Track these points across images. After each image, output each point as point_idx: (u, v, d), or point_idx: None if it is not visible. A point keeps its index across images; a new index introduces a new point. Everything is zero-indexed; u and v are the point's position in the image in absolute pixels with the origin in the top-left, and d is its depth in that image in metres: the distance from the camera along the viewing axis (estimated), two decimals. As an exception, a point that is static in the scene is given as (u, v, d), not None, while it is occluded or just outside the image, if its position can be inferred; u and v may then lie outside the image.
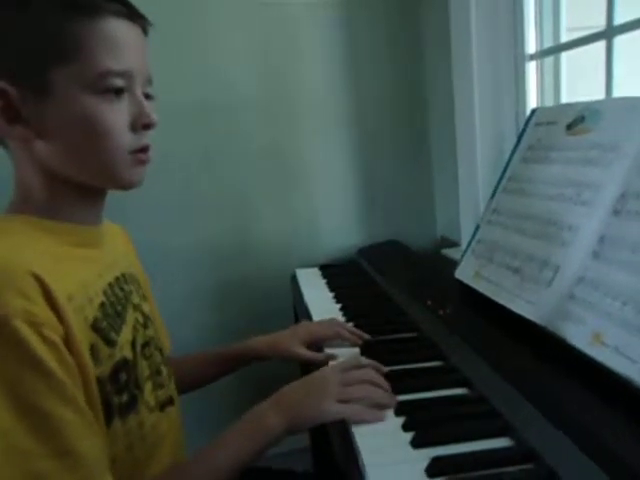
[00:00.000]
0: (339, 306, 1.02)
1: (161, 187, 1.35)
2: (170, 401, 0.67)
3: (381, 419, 0.60)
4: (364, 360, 0.71)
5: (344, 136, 1.44)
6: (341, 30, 1.39)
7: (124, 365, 0.58)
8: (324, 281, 1.22)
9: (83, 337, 0.51)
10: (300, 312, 1.13)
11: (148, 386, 0.63)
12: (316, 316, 0.99)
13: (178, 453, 0.70)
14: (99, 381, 0.53)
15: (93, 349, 0.53)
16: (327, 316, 0.93)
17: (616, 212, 0.65)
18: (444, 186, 1.46)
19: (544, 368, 0.63)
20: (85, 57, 0.52)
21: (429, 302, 0.91)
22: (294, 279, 1.31)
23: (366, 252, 1.40)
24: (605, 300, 0.60)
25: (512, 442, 0.54)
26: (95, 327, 0.54)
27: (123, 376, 0.57)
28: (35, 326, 0.45)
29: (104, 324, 0.55)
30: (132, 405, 0.58)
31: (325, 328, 0.85)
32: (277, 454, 0.67)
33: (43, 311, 0.46)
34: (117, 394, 0.56)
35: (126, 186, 0.59)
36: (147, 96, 0.59)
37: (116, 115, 0.55)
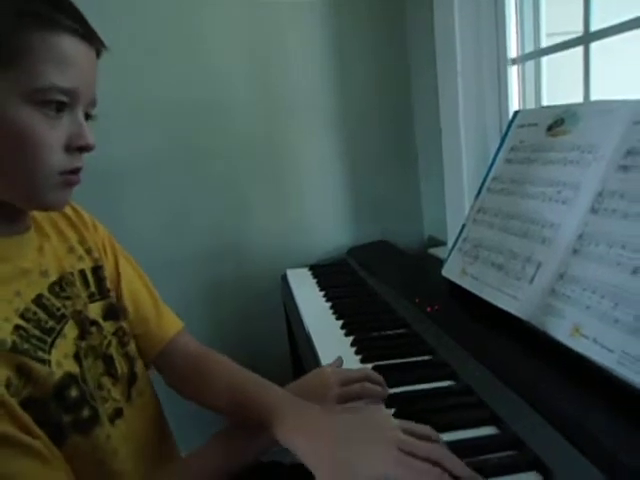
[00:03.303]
0: (329, 305, 1.03)
1: (154, 188, 1.36)
2: (118, 413, 0.61)
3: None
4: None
5: (333, 137, 1.47)
6: (329, 30, 1.41)
7: (71, 381, 0.55)
8: (314, 280, 1.24)
9: (1, 361, 0.49)
10: (290, 311, 1.15)
11: None
12: (307, 315, 1.00)
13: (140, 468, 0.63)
14: (35, 401, 0.50)
15: (22, 369, 0.50)
16: (317, 314, 0.95)
17: (594, 210, 0.68)
18: (431, 186, 1.49)
19: (527, 360, 0.65)
20: (30, 67, 0.49)
21: (417, 299, 0.94)
22: (284, 279, 1.32)
23: (355, 252, 1.43)
24: (584, 294, 0.63)
25: (497, 430, 0.57)
26: (16, 350, 0.50)
27: (73, 392, 0.55)
28: None
29: (25, 346, 0.51)
30: (95, 418, 0.56)
31: (351, 384, 0.64)
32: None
33: None
34: (68, 411, 0.53)
35: (47, 208, 0.56)
36: (87, 116, 0.56)
37: (52, 132, 0.51)
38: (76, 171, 0.54)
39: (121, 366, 0.65)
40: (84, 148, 0.54)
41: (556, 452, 0.50)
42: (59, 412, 0.53)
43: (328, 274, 1.28)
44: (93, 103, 0.57)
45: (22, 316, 0.53)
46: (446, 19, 1.15)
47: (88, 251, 0.67)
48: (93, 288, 0.66)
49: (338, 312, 0.98)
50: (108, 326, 0.66)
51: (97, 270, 0.67)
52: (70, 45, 0.51)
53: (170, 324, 0.76)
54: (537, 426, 0.53)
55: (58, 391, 0.53)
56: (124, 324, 0.69)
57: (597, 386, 0.56)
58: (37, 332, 0.54)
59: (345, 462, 0.47)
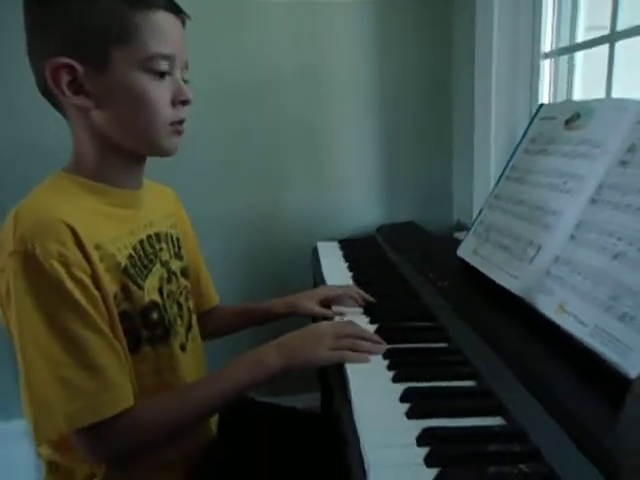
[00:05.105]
0: (351, 274, 1.13)
1: (201, 159, 1.49)
2: (182, 347, 0.76)
3: (366, 360, 0.70)
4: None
5: (371, 121, 1.54)
6: (373, 22, 1.48)
7: (154, 307, 0.70)
8: (341, 253, 1.33)
9: (113, 279, 0.63)
10: (317, 279, 1.25)
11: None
12: (330, 281, 1.10)
13: None
14: (127, 314, 0.65)
15: (125, 289, 0.65)
16: (339, 281, 1.05)
17: (593, 201, 0.74)
18: (462, 173, 1.54)
19: (514, 329, 0.73)
20: (139, 40, 0.62)
21: (431, 274, 1.01)
22: (315, 251, 1.43)
23: (384, 230, 1.51)
24: (572, 275, 0.70)
25: (476, 384, 0.65)
26: (125, 272, 0.66)
27: (154, 315, 0.70)
28: (67, 266, 0.57)
29: (132, 271, 0.67)
30: (164, 338, 0.71)
31: (337, 288, 0.97)
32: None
33: (73, 254, 0.58)
34: (147, 328, 0.68)
35: (163, 153, 0.69)
36: (183, 79, 0.69)
37: (160, 91, 0.65)
38: (181, 122, 0.69)
39: (186, 314, 0.80)
40: (185, 102, 0.68)
41: (517, 398, 0.58)
42: (141, 327, 0.68)
43: (355, 248, 1.37)
44: (186, 66, 0.70)
45: (133, 248, 0.69)
46: (486, 14, 1.19)
47: (175, 224, 0.84)
48: (177, 249, 0.81)
49: (357, 280, 1.07)
50: (182, 281, 0.81)
51: (178, 239, 0.83)
52: (165, 19, 0.64)
53: (209, 298, 0.96)
54: (506, 380, 0.61)
55: (144, 312, 0.68)
56: (189, 284, 0.84)
57: (568, 354, 0.63)
58: (139, 263, 0.69)
59: (294, 351, 0.70)
